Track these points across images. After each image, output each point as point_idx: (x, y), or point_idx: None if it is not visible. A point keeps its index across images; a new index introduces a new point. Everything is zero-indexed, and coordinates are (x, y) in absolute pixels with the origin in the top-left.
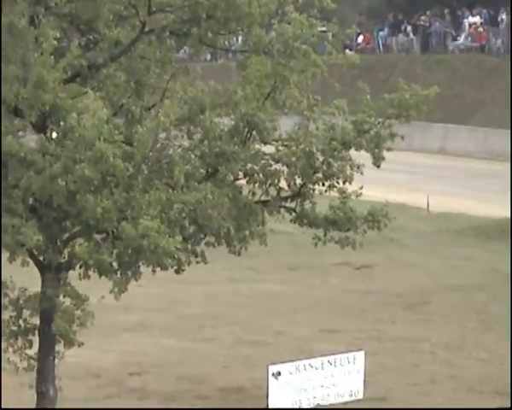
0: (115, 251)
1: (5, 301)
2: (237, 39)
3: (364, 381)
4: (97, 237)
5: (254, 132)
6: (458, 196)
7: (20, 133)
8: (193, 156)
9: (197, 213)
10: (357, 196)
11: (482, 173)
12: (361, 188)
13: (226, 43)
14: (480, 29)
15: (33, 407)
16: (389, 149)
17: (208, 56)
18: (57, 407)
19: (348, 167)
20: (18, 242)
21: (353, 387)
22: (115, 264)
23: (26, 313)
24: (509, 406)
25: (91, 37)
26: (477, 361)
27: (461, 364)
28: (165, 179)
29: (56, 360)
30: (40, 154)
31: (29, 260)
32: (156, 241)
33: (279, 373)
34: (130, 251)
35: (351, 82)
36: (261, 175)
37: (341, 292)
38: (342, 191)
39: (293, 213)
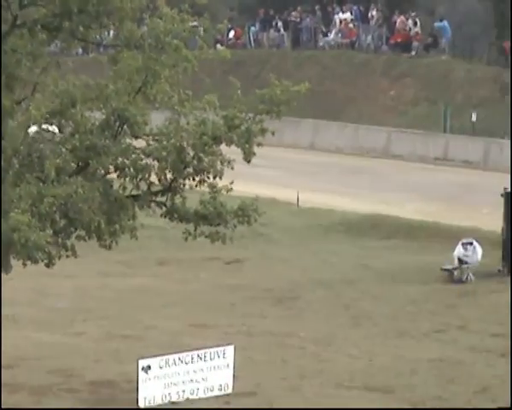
0: None
1: None
2: (109, 33)
3: (234, 375)
4: None
5: (125, 127)
6: (328, 192)
7: None
8: (64, 150)
9: (68, 206)
10: (227, 191)
11: (352, 169)
12: (231, 183)
13: (98, 37)
14: (351, 25)
15: None
16: (260, 145)
17: (80, 50)
18: None
19: (219, 162)
20: None
21: (223, 381)
22: None
23: None
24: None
25: None
26: (346, 357)
27: (330, 359)
28: (35, 173)
29: None
30: None
31: None
32: (27, 235)
33: (149, 367)
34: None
35: (222, 77)
36: (132, 169)
37: (211, 287)
38: (213, 186)
39: (164, 208)
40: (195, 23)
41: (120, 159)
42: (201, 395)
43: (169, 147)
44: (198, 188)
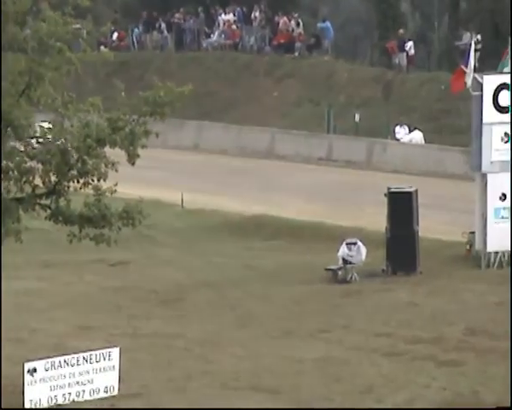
0: None
1: None
2: None
3: (119, 377)
4: None
5: (9, 129)
6: (213, 193)
7: None
8: None
9: None
10: (112, 193)
11: (236, 170)
12: (116, 185)
13: None
14: (234, 26)
15: None
16: (144, 146)
17: None
18: None
19: (103, 165)
20: None
21: (108, 383)
22: None
23: None
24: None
25: None
26: (232, 357)
27: (216, 360)
28: None
29: None
30: None
31: None
32: None
33: (35, 370)
34: None
35: (106, 79)
36: (16, 172)
37: (97, 289)
38: (97, 188)
39: (49, 211)
40: (78, 26)
41: (4, 162)
42: (87, 397)
43: (53, 150)
44: (82, 190)
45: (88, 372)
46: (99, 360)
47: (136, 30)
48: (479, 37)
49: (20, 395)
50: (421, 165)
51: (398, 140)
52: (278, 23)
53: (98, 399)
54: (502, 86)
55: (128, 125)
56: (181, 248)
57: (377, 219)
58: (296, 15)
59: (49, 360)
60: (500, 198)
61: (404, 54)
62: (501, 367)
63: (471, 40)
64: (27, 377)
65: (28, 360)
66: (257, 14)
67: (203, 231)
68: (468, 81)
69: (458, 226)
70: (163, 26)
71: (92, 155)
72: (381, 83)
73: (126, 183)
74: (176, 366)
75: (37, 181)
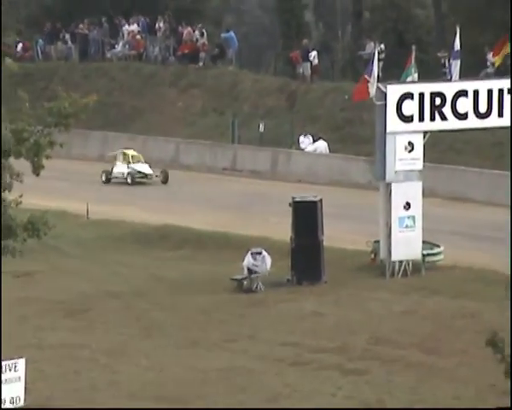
0: None
1: None
2: None
3: (25, 388)
4: None
5: None
6: (118, 204)
7: None
8: None
9: None
10: (17, 205)
11: (139, 180)
12: (21, 196)
13: None
14: (138, 37)
15: None
16: (48, 157)
17: None
18: None
19: (8, 176)
20: None
21: (14, 394)
22: None
23: None
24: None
25: None
26: (138, 368)
27: (122, 370)
28: None
29: None
30: None
31: None
32: None
33: None
34: None
35: (10, 90)
36: None
37: (2, 300)
38: (2, 200)
39: None
40: None
41: None
42: None
43: None
44: None
45: None
46: (5, 371)
47: (40, 41)
48: (382, 46)
49: None
50: (325, 174)
51: (302, 150)
52: (182, 33)
53: None
54: (405, 96)
55: (33, 136)
56: (87, 258)
57: (282, 229)
58: (200, 26)
59: None
60: (404, 207)
61: (308, 63)
62: (406, 376)
63: (374, 50)
64: None
65: None
66: (161, 24)
67: (109, 241)
68: (372, 91)
69: (363, 236)
70: (67, 36)
71: None
72: (285, 93)
73: (31, 194)
74: (82, 376)
75: None
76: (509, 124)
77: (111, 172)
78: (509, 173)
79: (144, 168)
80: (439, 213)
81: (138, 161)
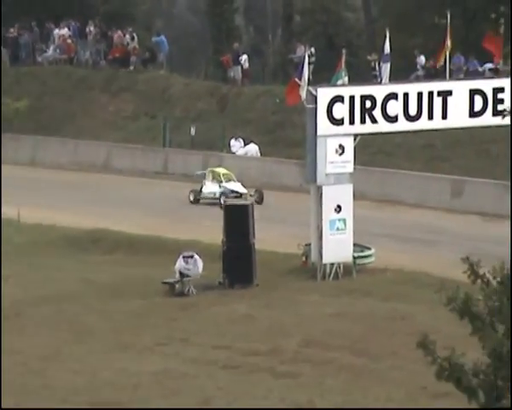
0: None
1: None
2: None
3: None
4: None
5: None
6: (50, 208)
7: None
8: None
9: None
10: None
11: (73, 185)
12: None
13: None
14: (69, 41)
15: None
16: None
17: None
18: None
19: None
20: None
21: None
22: None
23: None
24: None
25: None
26: (70, 372)
27: (53, 375)
28: None
29: None
30: None
31: None
32: None
33: None
34: None
35: None
36: None
37: None
38: None
39: None
40: None
41: None
42: None
43: None
44: None
45: None
46: None
47: None
48: (312, 49)
49: None
50: (256, 178)
51: (233, 153)
52: (113, 37)
53: None
54: (336, 99)
55: None
56: (18, 263)
57: (214, 232)
58: (131, 30)
59: None
60: (335, 210)
61: (239, 67)
62: (337, 378)
63: (305, 53)
64: None
65: None
66: (91, 28)
67: (41, 245)
68: (303, 94)
69: (294, 238)
70: None
71: None
72: (216, 96)
73: None
74: (14, 382)
75: None
76: (436, 126)
77: (200, 191)
78: (438, 175)
79: (238, 187)
80: (370, 216)
81: (230, 180)
